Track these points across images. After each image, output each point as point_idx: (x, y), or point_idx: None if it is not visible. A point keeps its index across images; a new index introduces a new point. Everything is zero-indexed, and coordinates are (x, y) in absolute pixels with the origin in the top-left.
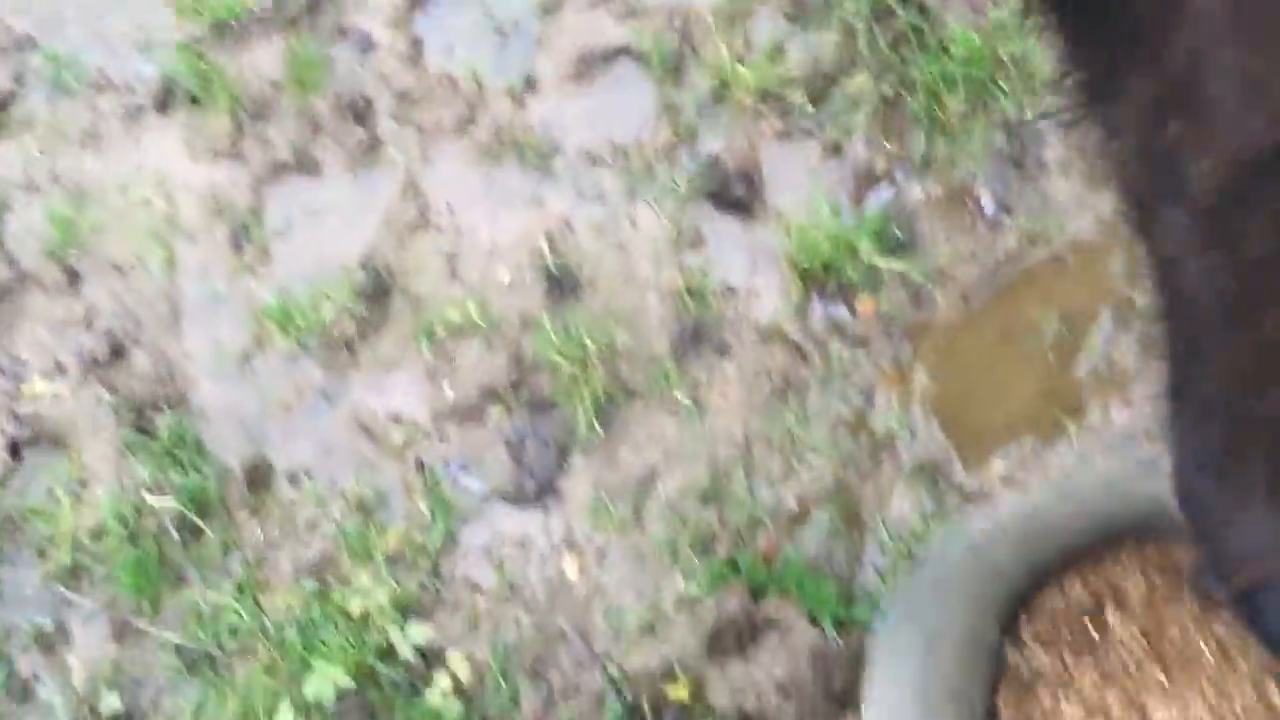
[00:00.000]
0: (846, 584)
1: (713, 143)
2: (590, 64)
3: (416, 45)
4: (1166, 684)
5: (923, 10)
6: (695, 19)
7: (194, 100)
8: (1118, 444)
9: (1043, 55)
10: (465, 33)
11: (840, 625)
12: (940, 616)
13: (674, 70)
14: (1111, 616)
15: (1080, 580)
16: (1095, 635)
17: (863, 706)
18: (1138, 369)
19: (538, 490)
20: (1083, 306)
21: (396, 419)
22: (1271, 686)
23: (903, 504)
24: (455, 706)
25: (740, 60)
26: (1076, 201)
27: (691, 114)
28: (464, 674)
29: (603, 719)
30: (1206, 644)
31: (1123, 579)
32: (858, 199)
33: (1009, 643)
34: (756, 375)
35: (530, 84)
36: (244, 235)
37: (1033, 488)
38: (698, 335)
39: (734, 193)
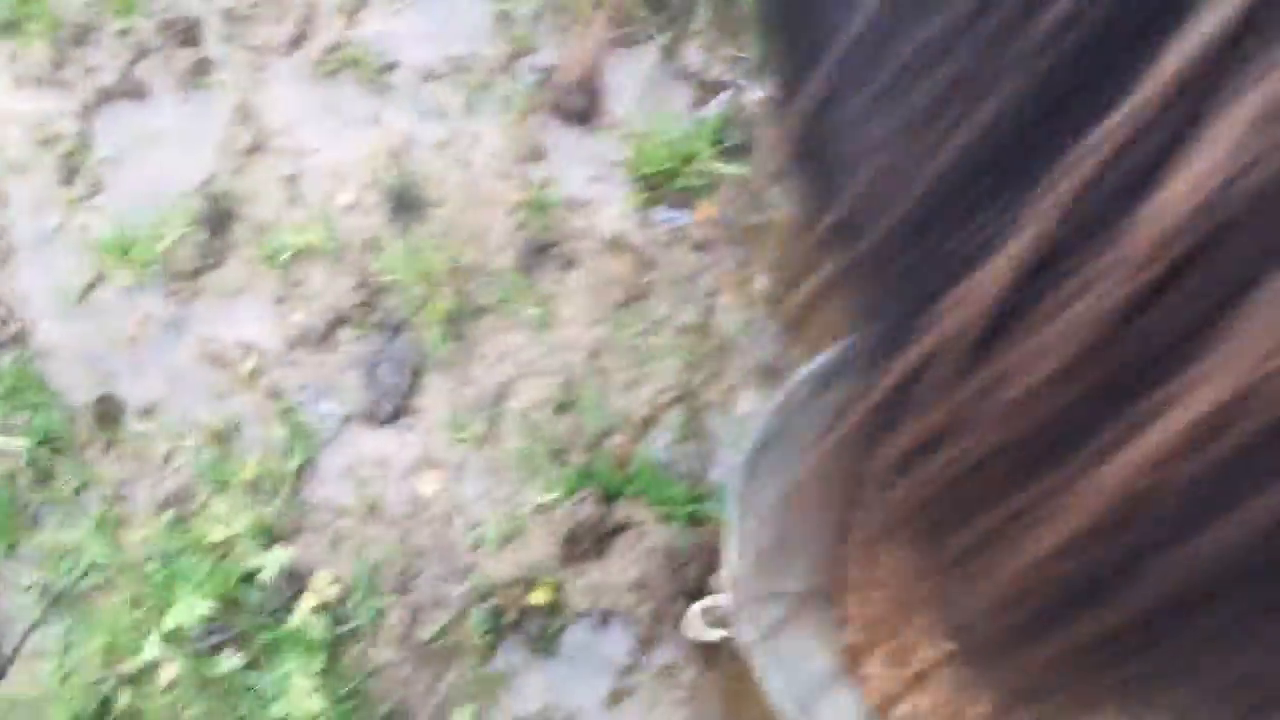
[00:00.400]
0: (696, 483)
1: (550, 53)
2: None
3: None
4: None
5: None
6: None
7: (9, 26)
8: None
9: None
10: None
11: (691, 522)
12: (796, 469)
13: None
14: None
15: None
16: None
17: (724, 554)
18: None
19: (393, 411)
20: None
21: (246, 347)
22: None
23: (748, 404)
24: (321, 624)
25: None
26: None
27: (527, 24)
28: (330, 594)
29: (468, 628)
30: None
31: None
32: (697, 104)
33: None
34: (603, 285)
35: None
36: (74, 166)
37: None
38: (543, 248)
39: (573, 103)
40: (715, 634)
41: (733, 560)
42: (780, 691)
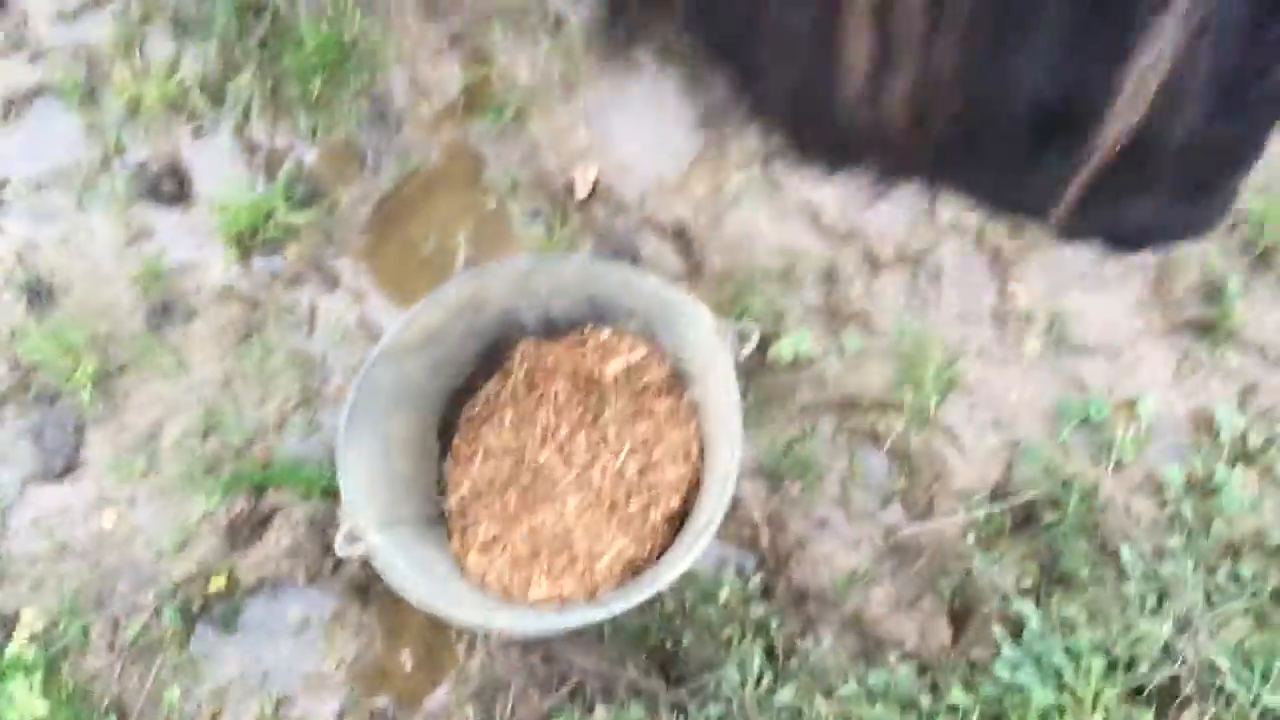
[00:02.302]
0: (325, 463)
1: (139, 151)
2: (15, 105)
3: None
4: (549, 401)
5: (276, 15)
6: (96, 50)
7: None
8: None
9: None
10: None
11: (325, 495)
12: (390, 423)
13: (89, 96)
14: (516, 388)
15: (494, 381)
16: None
17: (342, 492)
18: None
19: (64, 466)
20: (448, 216)
21: None
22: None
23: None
24: (35, 649)
25: (143, 78)
26: (427, 141)
27: (114, 131)
28: (38, 625)
29: (163, 625)
30: (571, 382)
31: (515, 371)
32: (268, 172)
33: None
34: (222, 328)
35: None
36: None
37: (422, 305)
38: (166, 309)
39: (166, 188)
40: (355, 550)
41: (345, 497)
42: (410, 591)
